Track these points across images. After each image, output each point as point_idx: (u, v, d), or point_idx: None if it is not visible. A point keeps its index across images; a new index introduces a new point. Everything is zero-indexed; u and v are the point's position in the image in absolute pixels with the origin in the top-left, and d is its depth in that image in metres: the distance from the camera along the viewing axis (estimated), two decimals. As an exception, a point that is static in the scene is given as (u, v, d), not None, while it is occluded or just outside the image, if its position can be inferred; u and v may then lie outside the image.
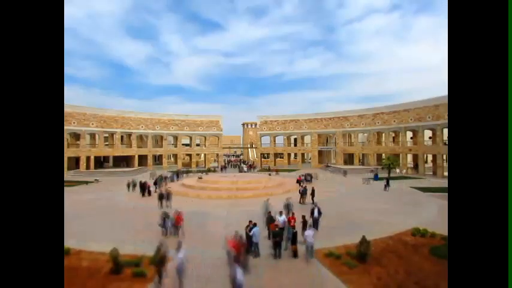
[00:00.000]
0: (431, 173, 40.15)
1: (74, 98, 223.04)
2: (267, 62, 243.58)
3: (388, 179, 28.11)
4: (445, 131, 38.46)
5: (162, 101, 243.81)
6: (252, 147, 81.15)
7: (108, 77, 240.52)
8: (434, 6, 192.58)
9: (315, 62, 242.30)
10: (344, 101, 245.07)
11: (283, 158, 60.06)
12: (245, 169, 50.93)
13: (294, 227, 11.49)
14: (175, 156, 58.20)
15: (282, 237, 10.79)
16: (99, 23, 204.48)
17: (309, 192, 20.95)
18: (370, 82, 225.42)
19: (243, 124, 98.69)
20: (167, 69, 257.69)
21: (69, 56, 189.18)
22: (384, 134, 49.87)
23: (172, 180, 32.42)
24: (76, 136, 47.15)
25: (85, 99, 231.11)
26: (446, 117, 35.58)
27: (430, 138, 42.88)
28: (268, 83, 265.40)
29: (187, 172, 44.91)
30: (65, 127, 40.96)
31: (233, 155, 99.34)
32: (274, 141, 60.21)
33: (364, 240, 10.12)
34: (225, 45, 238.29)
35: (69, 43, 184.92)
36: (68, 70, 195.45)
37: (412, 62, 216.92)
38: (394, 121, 44.99)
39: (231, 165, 60.69)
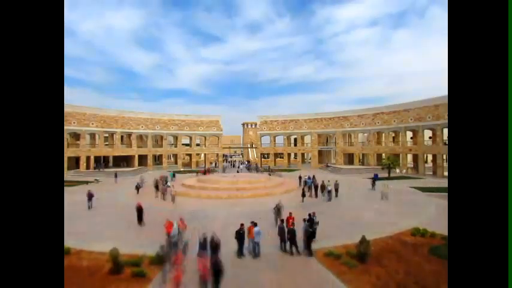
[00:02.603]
0: (431, 173, 40.15)
1: (84, 99, 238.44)
2: (264, 68, 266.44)
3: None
4: (445, 131, 38.46)
5: (166, 103, 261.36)
6: (252, 147, 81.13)
7: (118, 82, 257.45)
8: (408, 22, 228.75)
9: (308, 68, 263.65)
10: (339, 103, 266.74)
11: (283, 158, 60.02)
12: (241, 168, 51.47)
13: (292, 225, 11.50)
14: (175, 156, 58.16)
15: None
16: (112, 36, 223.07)
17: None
18: (360, 86, 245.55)
19: (243, 124, 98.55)
20: (171, 75, 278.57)
21: (82, 63, 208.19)
22: (383, 134, 49.83)
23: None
24: (76, 136, 47.09)
25: (95, 101, 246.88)
26: (446, 117, 35.59)
27: (430, 138, 42.87)
28: (266, 87, 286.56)
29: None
30: (65, 127, 40.93)
31: (233, 155, 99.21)
32: (274, 141, 60.14)
33: (364, 240, 10.12)
34: (224, 55, 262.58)
35: (84, 52, 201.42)
36: (80, 75, 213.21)
37: (396, 68, 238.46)
38: (394, 121, 44.96)
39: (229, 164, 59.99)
